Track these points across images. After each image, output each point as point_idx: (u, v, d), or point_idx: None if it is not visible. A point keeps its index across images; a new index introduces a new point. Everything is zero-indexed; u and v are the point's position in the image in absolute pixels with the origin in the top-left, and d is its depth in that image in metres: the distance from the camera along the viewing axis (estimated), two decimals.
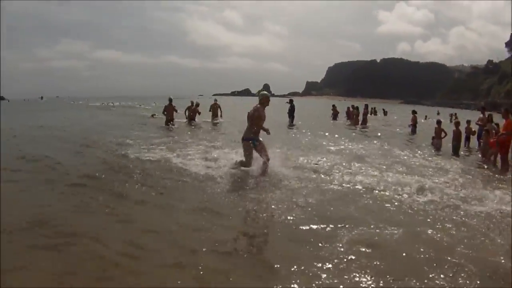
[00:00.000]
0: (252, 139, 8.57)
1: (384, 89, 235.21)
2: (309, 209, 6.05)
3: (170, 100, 21.31)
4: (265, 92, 8.98)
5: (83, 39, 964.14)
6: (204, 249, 4.41)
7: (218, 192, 6.94)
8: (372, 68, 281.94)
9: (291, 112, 24.90)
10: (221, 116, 24.95)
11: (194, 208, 5.97)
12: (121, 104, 60.70)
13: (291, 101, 25.30)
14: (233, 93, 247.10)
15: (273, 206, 6.20)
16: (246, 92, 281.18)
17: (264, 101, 8.81)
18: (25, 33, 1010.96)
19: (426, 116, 38.98)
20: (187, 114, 22.98)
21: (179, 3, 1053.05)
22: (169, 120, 21.01)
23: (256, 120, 8.62)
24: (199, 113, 23.27)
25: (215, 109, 25.27)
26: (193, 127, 21.01)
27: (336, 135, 17.56)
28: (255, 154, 8.64)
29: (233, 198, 6.64)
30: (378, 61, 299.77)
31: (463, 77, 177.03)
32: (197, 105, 23.51)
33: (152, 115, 28.99)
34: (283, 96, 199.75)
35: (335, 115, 30.63)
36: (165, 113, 21.39)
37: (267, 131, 8.70)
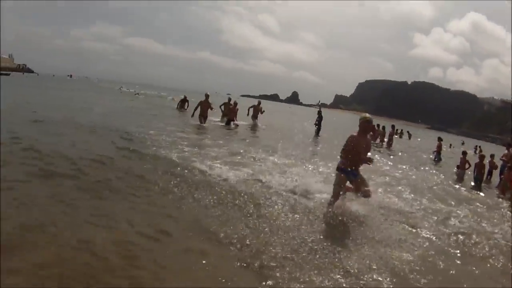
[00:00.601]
0: (346, 171, 6.83)
1: (412, 112, 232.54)
2: (332, 227, 6.12)
3: (207, 96, 19.78)
4: (366, 115, 7.10)
5: (117, 24, 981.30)
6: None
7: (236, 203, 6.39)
8: (402, 89, 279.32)
9: (319, 122, 24.81)
10: (262, 112, 24.14)
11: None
12: (149, 93, 59.59)
13: (319, 112, 25.21)
14: (261, 97, 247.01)
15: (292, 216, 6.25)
16: (274, 97, 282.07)
17: (361, 126, 6.89)
18: (62, 12, 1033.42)
19: (450, 145, 38.54)
20: (222, 108, 21.80)
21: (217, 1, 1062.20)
22: (203, 116, 19.34)
23: (350, 149, 6.75)
24: (235, 116, 21.69)
25: (256, 111, 24.02)
26: (228, 128, 20.05)
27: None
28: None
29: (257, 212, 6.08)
30: (409, 83, 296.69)
31: (493, 110, 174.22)
32: (235, 104, 22.15)
33: (178, 106, 28.40)
34: (310, 105, 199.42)
35: None
36: (198, 108, 19.49)
37: (369, 161, 6.88)
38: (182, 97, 29.98)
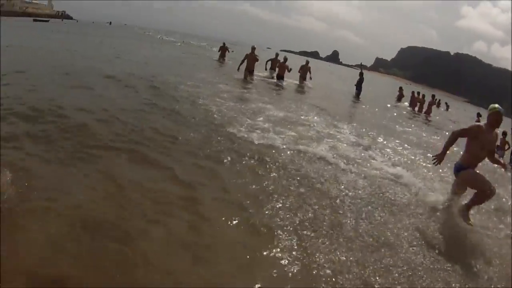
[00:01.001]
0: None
1: (452, 83, 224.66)
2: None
3: (253, 48, 18.58)
4: (496, 105, 5.84)
5: None
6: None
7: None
8: (444, 59, 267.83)
9: (359, 84, 24.22)
10: (310, 78, 21.94)
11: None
12: (192, 42, 56.06)
13: (361, 74, 24.72)
14: (302, 53, 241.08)
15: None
16: (315, 55, 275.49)
17: (492, 119, 5.71)
18: None
19: None
20: (268, 66, 20.42)
21: None
22: (248, 71, 18.19)
23: (472, 138, 5.78)
24: (289, 70, 19.92)
25: (305, 71, 21.89)
26: (274, 84, 18.68)
27: (404, 123, 16.72)
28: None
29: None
30: (452, 54, 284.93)
31: None
32: (285, 59, 20.23)
33: (219, 56, 26.04)
34: (350, 66, 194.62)
35: (399, 97, 29.61)
36: (244, 61, 18.25)
37: (503, 165, 6.09)
38: (222, 44, 26.91)
